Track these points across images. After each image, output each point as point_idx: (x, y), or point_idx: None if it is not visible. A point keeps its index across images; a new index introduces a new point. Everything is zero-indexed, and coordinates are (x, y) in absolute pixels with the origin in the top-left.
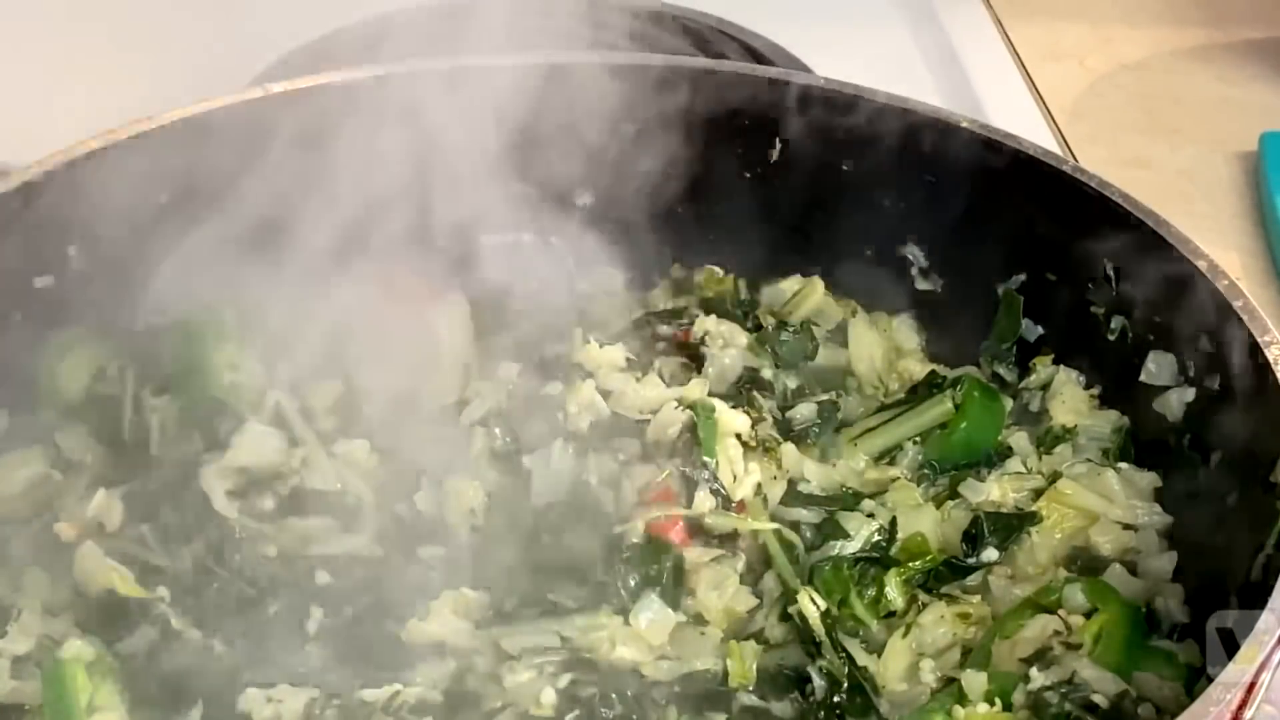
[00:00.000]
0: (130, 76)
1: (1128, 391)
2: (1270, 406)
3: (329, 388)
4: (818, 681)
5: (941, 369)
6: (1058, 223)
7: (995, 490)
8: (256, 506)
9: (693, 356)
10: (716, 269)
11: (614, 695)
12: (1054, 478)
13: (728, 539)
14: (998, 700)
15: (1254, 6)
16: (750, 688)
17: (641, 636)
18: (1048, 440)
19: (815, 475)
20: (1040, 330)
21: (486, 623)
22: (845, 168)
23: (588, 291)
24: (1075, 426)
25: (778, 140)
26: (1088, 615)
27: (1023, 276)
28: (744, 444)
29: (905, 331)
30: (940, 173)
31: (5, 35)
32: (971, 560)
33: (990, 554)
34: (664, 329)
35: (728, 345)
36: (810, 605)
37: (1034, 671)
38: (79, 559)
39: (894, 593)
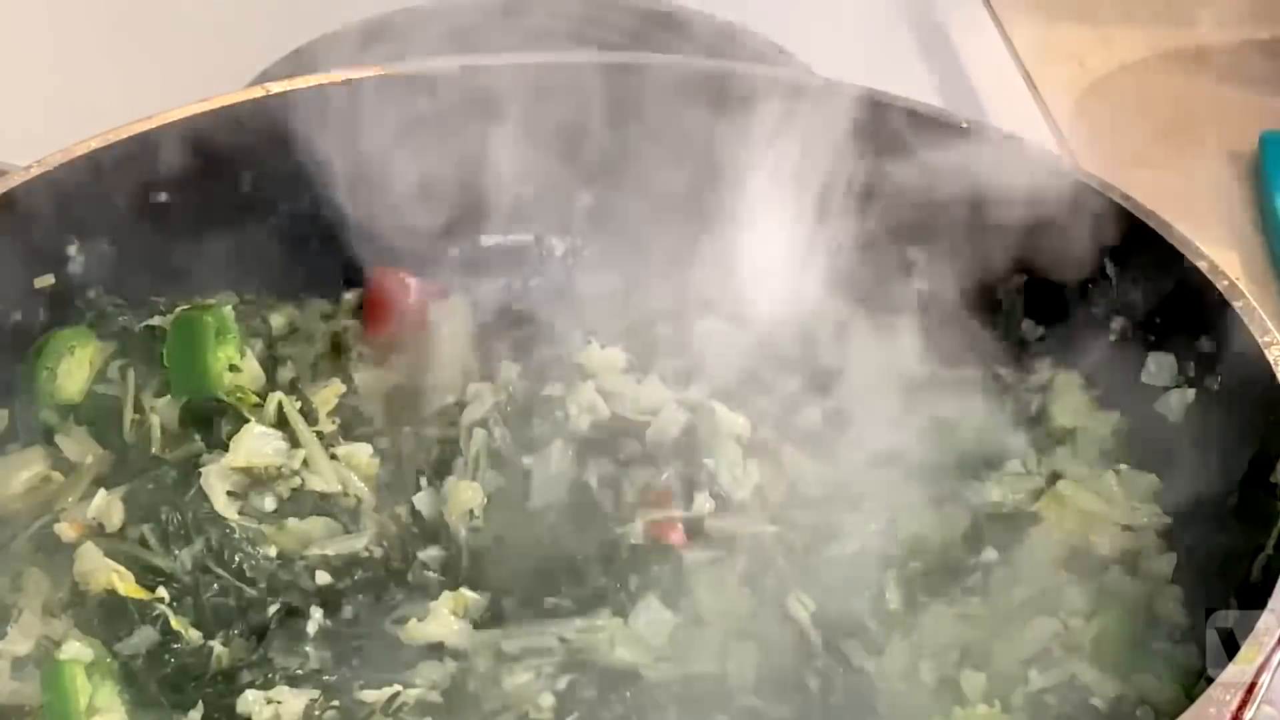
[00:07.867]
0: (130, 76)
1: (1128, 392)
2: (1270, 407)
3: (331, 389)
4: (814, 683)
5: (941, 369)
6: (1058, 223)
7: (995, 490)
8: (256, 507)
9: (693, 358)
10: (717, 269)
11: (613, 697)
12: (1054, 479)
13: (727, 540)
14: (997, 701)
15: (1254, 6)
16: (750, 689)
17: (641, 638)
18: (1047, 441)
19: (815, 476)
20: (1040, 330)
21: (486, 624)
22: (844, 168)
23: (588, 292)
24: (1075, 428)
25: (778, 140)
26: (1087, 617)
27: (1023, 276)
28: (744, 445)
29: (906, 332)
30: (940, 173)
31: (5, 35)
32: (971, 560)
33: (990, 554)
34: (665, 330)
35: (728, 346)
36: (799, 607)
37: (1033, 673)
38: (79, 559)
39: (893, 593)
